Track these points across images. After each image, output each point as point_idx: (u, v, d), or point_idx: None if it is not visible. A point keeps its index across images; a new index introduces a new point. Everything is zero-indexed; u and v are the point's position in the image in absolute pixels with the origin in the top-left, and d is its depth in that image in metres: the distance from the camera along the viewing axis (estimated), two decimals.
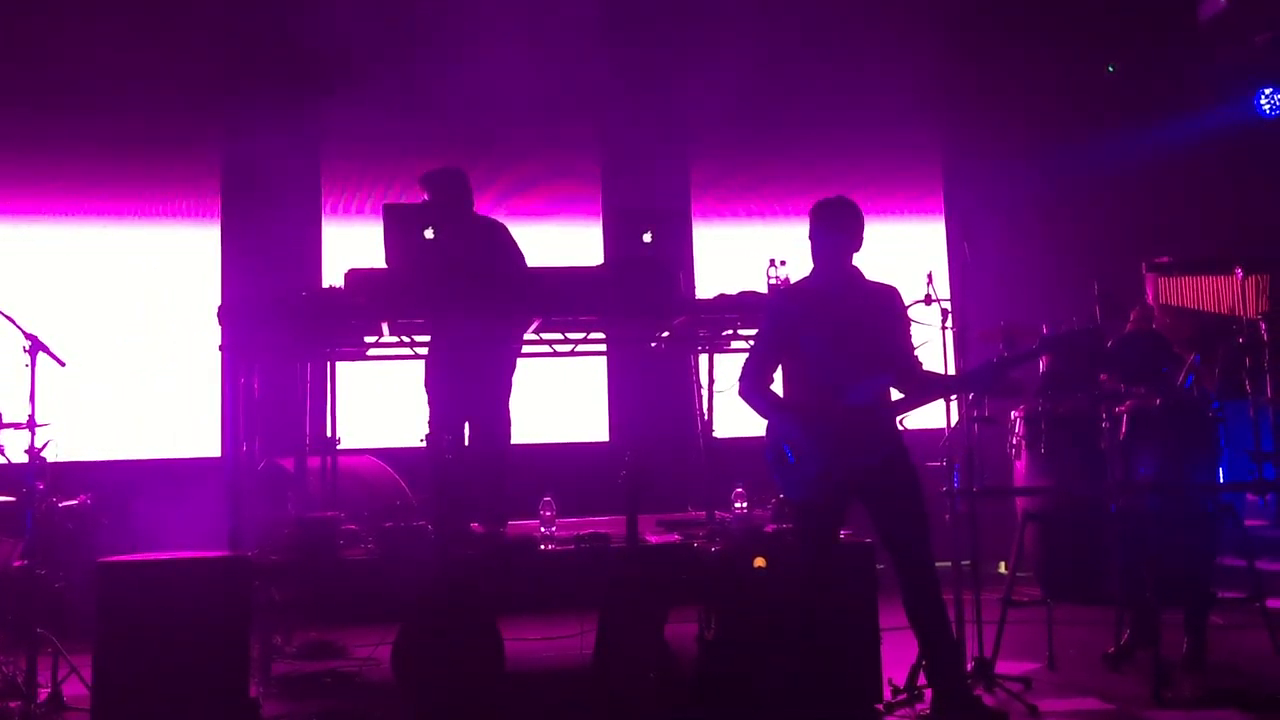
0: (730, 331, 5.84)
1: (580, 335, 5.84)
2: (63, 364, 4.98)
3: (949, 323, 5.34)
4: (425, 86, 8.03)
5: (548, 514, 5.29)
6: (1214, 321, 5.58)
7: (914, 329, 4.52)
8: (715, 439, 6.01)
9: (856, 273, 4.44)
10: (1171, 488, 5.13)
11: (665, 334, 6.03)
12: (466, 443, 5.55)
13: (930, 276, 5.34)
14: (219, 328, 5.17)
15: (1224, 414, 5.16)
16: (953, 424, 5.14)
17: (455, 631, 4.68)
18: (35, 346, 4.90)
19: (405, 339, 5.68)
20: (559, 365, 7.27)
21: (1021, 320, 5.63)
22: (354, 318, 5.30)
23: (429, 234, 5.15)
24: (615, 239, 5.40)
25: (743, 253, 8.11)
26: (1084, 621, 5.80)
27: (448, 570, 4.83)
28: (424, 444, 5.55)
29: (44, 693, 4.82)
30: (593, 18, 8.15)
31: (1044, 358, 5.66)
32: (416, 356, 5.76)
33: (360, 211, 8.20)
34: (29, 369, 4.89)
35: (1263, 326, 5.22)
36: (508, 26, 7.88)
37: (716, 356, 6.10)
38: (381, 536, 5.05)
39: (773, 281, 5.50)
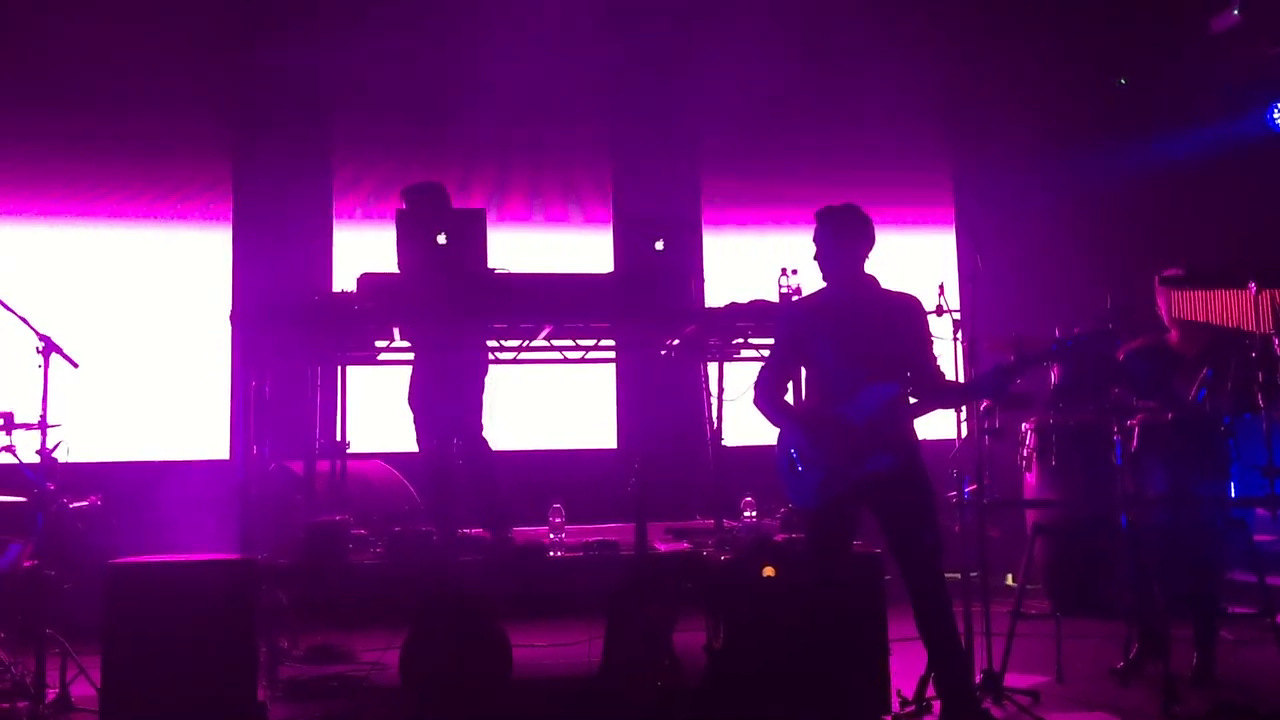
0: (741, 340, 5.85)
1: (591, 342, 5.85)
2: (75, 365, 5.00)
3: (959, 334, 5.34)
4: (437, 92, 8.06)
5: (557, 520, 5.29)
6: (1226, 335, 5.56)
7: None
8: (725, 447, 6.02)
9: (871, 281, 4.44)
10: (1182, 502, 5.11)
11: (675, 342, 6.03)
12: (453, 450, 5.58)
13: (942, 287, 5.34)
14: (231, 331, 5.19)
15: (1235, 428, 5.15)
16: (963, 436, 5.14)
17: (463, 637, 4.68)
18: (48, 347, 4.92)
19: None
20: (568, 372, 7.29)
21: (1032, 330, 5.62)
22: (365, 322, 5.31)
23: (442, 240, 5.16)
24: (626, 246, 5.42)
25: (753, 261, 8.11)
26: (1093, 635, 5.78)
27: (456, 575, 4.83)
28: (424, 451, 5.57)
29: (52, 693, 4.84)
30: (603, 25, 8.16)
31: (1055, 369, 5.64)
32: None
33: (371, 216, 8.21)
34: (42, 370, 4.90)
35: (1275, 341, 5.20)
36: (520, 33, 7.90)
37: (727, 365, 6.10)
38: (390, 541, 5.06)
39: (784, 290, 5.51)
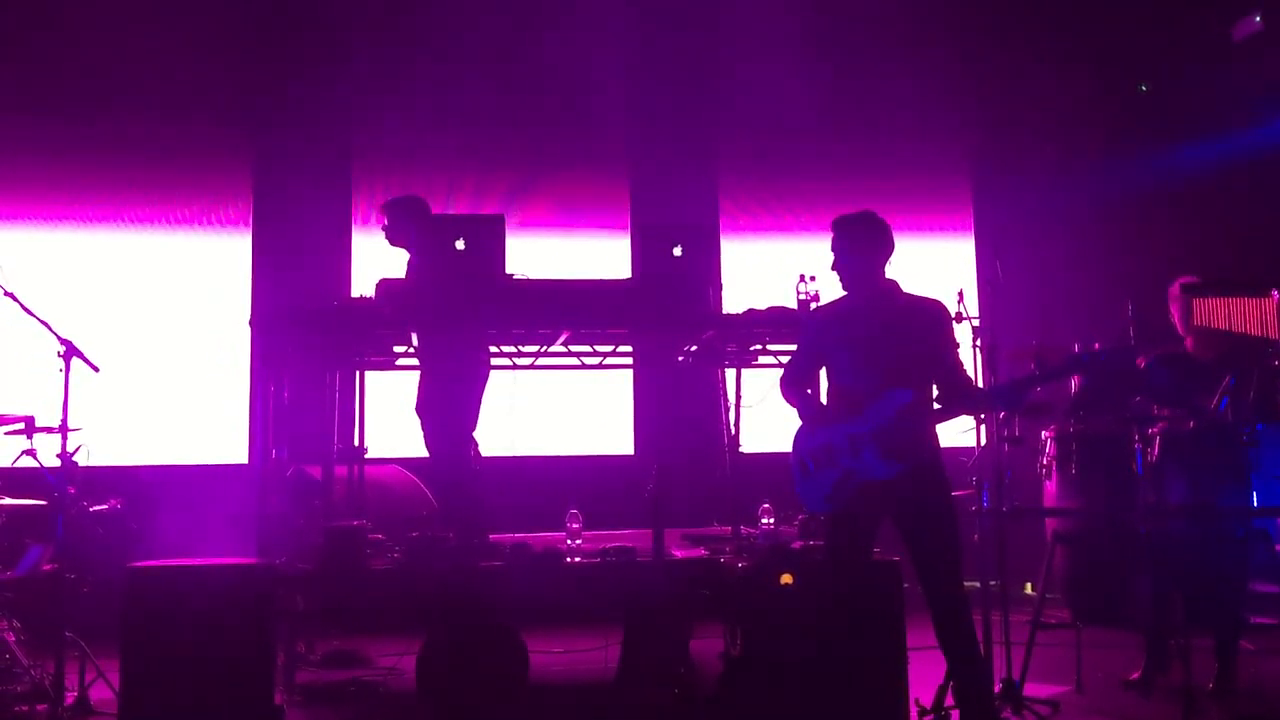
0: (759, 346, 5.84)
1: (609, 348, 5.85)
2: (96, 369, 5.01)
3: (978, 341, 5.31)
4: (455, 97, 8.08)
5: (574, 526, 5.29)
6: (1248, 344, 5.51)
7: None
8: (742, 454, 6.01)
9: (892, 286, 4.42)
10: (1203, 511, 5.07)
11: (693, 348, 6.03)
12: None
13: (961, 294, 5.32)
14: (250, 336, 5.21)
15: (1257, 438, 5.11)
16: (982, 444, 5.11)
17: (480, 643, 4.68)
18: (69, 351, 4.93)
19: None
20: (585, 378, 7.29)
21: (1053, 339, 5.60)
22: (384, 327, 5.33)
23: (460, 245, 5.17)
24: (643, 253, 5.42)
25: (771, 268, 8.09)
26: (1113, 645, 5.74)
27: (474, 581, 4.83)
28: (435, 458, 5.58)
29: (71, 696, 4.84)
30: (621, 32, 8.18)
31: (1075, 378, 5.61)
32: None
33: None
34: (63, 374, 4.93)
35: None
36: (537, 41, 7.92)
37: (744, 371, 6.09)
38: (408, 546, 5.06)
39: (802, 297, 5.50)
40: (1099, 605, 5.85)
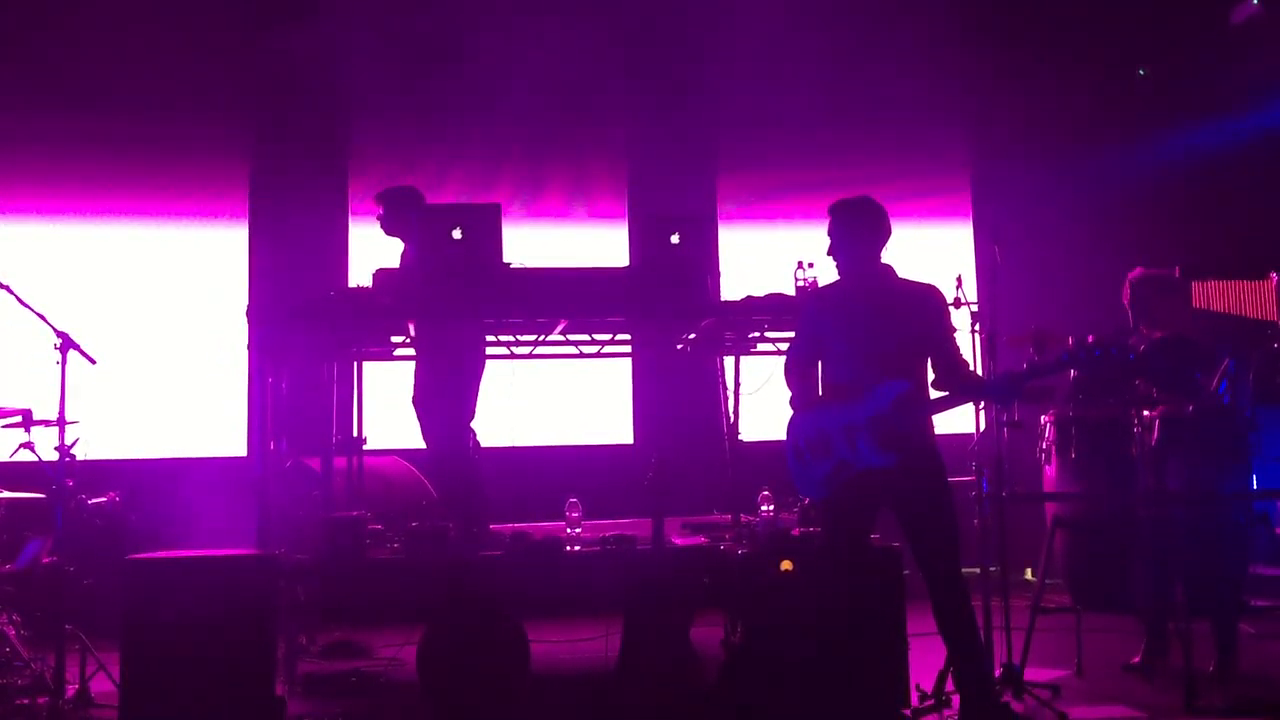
0: (758, 334, 5.83)
1: (607, 337, 5.84)
2: (93, 361, 5.01)
3: (978, 327, 5.31)
4: (452, 90, 8.06)
5: (574, 515, 5.28)
6: (1248, 327, 5.51)
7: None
8: (741, 442, 6.00)
9: (887, 272, 4.41)
10: (1203, 495, 5.07)
11: (692, 336, 6.01)
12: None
13: (960, 280, 5.32)
14: (247, 327, 5.20)
15: (1257, 421, 5.11)
16: (982, 429, 5.11)
17: (481, 633, 4.68)
18: (66, 344, 4.93)
19: None
20: (583, 367, 7.28)
21: (1052, 325, 5.58)
22: (381, 317, 5.32)
23: (457, 234, 5.15)
24: (641, 241, 5.40)
25: (769, 255, 8.07)
26: (1113, 629, 5.75)
27: (474, 571, 4.83)
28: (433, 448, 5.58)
29: (72, 689, 4.85)
30: (618, 21, 8.15)
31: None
32: None
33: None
34: (60, 366, 4.92)
35: None
36: (534, 30, 7.89)
37: (743, 359, 6.08)
38: (407, 537, 5.06)
39: (801, 284, 5.49)
40: (1099, 590, 5.85)
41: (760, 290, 5.53)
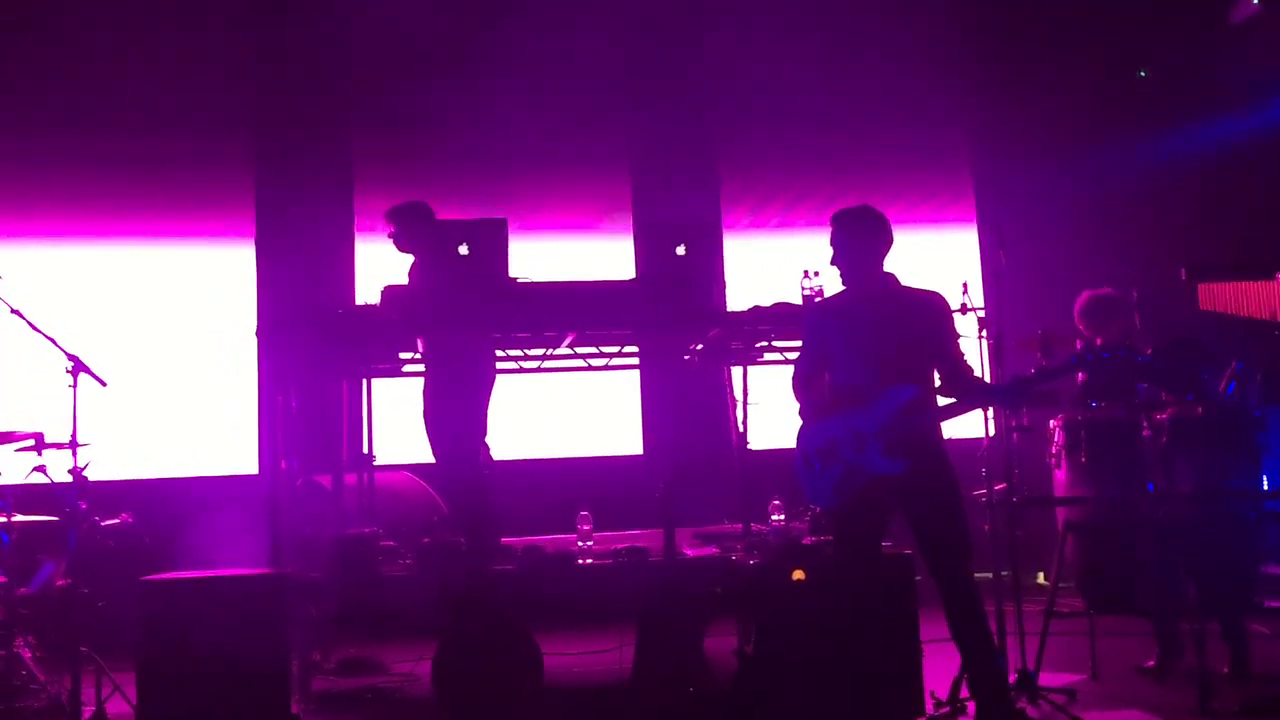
0: (765, 343, 5.84)
1: (615, 349, 5.86)
2: (104, 384, 5.03)
3: (984, 331, 5.31)
4: (455, 104, 8.09)
5: (585, 528, 5.29)
6: (1255, 328, 5.51)
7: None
8: (750, 451, 6.00)
9: (890, 280, 4.43)
10: (1213, 496, 5.07)
11: (699, 347, 6.03)
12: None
13: (965, 285, 5.33)
14: (256, 346, 5.22)
15: (1266, 420, 5.10)
16: (991, 434, 5.11)
17: (495, 646, 4.69)
18: (77, 367, 4.95)
19: None
20: (591, 379, 7.30)
21: (1058, 328, 5.59)
22: (390, 334, 5.34)
23: (464, 250, 5.18)
24: (646, 252, 5.42)
25: (774, 264, 8.09)
26: (1127, 633, 5.72)
27: (486, 585, 4.84)
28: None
29: (88, 711, 4.85)
30: (620, 31, 8.18)
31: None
32: None
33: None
34: (71, 389, 4.94)
35: None
36: (535, 41, 7.92)
37: (751, 369, 6.08)
38: (420, 552, 5.07)
39: (807, 292, 5.51)
40: (1112, 593, 5.83)
41: (766, 299, 5.55)
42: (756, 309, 5.47)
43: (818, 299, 5.47)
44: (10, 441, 5.09)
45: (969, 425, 5.24)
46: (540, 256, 7.83)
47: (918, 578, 4.66)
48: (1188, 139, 8.33)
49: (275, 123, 8.10)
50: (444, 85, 7.98)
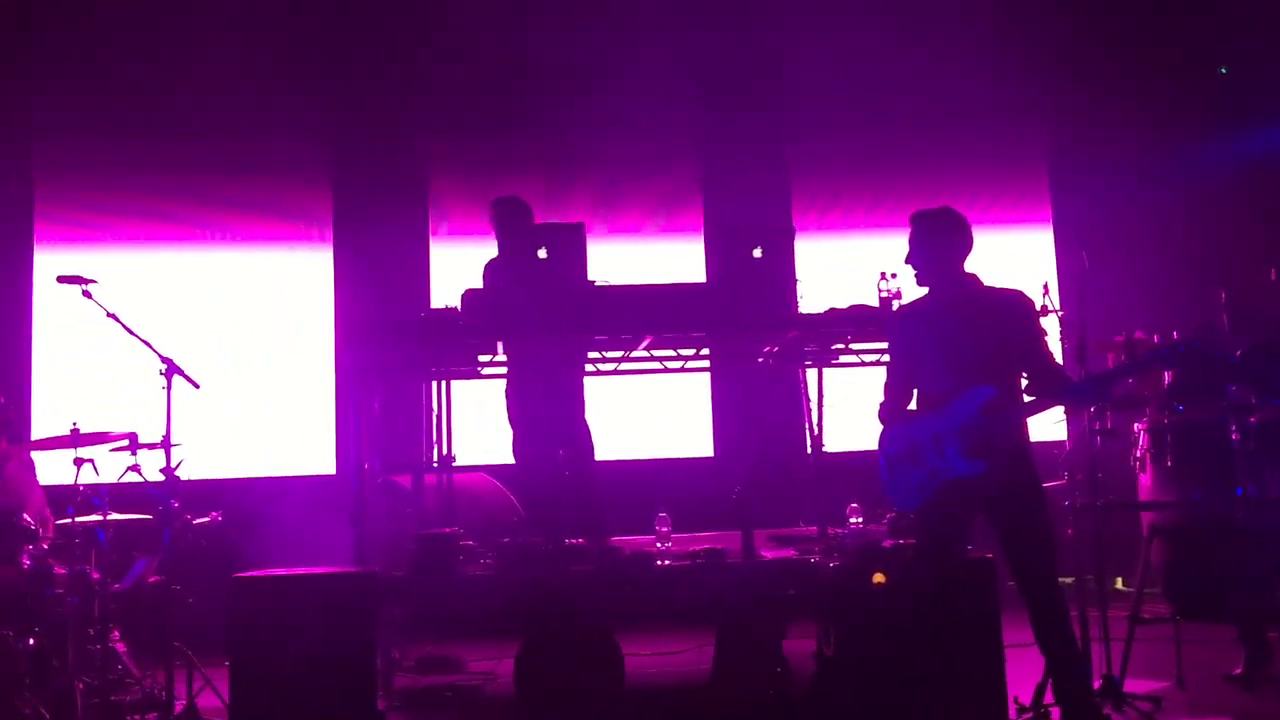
0: (841, 345, 5.83)
1: (690, 351, 5.88)
2: (197, 386, 5.15)
3: (1065, 334, 5.25)
4: (528, 107, 8.17)
5: (663, 530, 5.32)
6: None
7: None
8: (825, 453, 5.99)
9: (971, 280, 4.40)
10: None
11: (773, 349, 6.02)
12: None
13: (1046, 286, 5.26)
14: (335, 349, 5.31)
15: None
16: (1074, 437, 5.05)
17: (577, 647, 4.72)
18: (171, 370, 5.07)
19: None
20: (661, 381, 7.31)
21: (1142, 330, 5.51)
22: (469, 337, 5.41)
23: (542, 253, 5.23)
24: (718, 254, 5.43)
25: (847, 265, 8.05)
26: (1215, 640, 5.62)
27: (567, 586, 4.88)
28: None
29: (179, 705, 4.98)
30: (691, 33, 8.19)
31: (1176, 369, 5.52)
32: None
33: (466, 232, 8.33)
34: (165, 391, 5.07)
35: None
36: (607, 44, 7.96)
37: (827, 370, 6.07)
38: (499, 552, 5.13)
39: (884, 294, 5.48)
40: (1198, 599, 5.74)
41: (838, 301, 5.53)
42: (833, 311, 5.45)
43: (896, 302, 5.45)
44: (106, 442, 5.22)
45: (1052, 427, 5.20)
46: (610, 259, 7.86)
47: (1009, 583, 4.62)
48: (1273, 134, 8.15)
49: (352, 131, 8.23)
50: (518, 91, 8.08)
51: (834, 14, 8.09)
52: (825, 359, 6.03)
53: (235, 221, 8.22)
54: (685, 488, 7.02)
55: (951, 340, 4.29)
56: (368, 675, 4.63)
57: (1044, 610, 4.17)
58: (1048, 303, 5.25)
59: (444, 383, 6.07)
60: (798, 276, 5.53)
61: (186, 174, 8.18)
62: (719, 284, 5.50)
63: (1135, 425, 5.39)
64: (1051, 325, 5.24)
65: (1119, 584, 7.30)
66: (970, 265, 4.42)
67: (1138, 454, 5.35)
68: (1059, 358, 4.99)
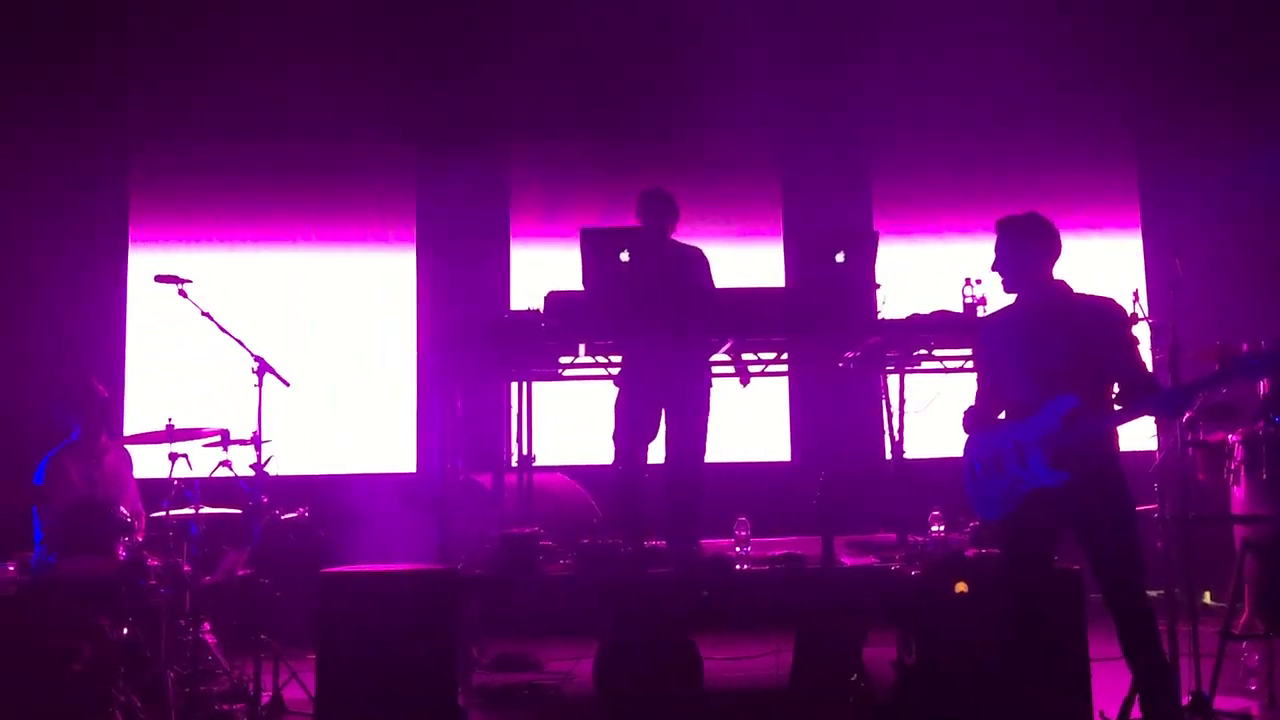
0: (923, 351, 5.78)
1: (772, 355, 5.87)
2: (288, 384, 5.27)
3: (1157, 342, 5.15)
4: (608, 109, 8.22)
5: (742, 534, 5.32)
6: None
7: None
8: (906, 460, 5.94)
9: (1061, 287, 4.33)
10: None
11: (854, 354, 5.99)
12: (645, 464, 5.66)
13: (1136, 294, 5.17)
14: (417, 349, 5.38)
15: None
16: (1164, 449, 4.95)
17: (657, 648, 4.75)
18: (263, 368, 5.20)
19: (600, 359, 5.81)
20: (734, 384, 7.30)
21: (1234, 340, 5.39)
22: (551, 339, 5.46)
23: (624, 257, 5.27)
24: (799, 258, 5.42)
25: (929, 270, 7.96)
26: None
27: (647, 587, 4.91)
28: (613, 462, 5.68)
29: (266, 696, 5.10)
30: (772, 36, 8.17)
31: (1265, 379, 5.38)
32: (609, 377, 5.88)
33: (546, 235, 8.39)
34: (256, 389, 5.19)
35: None
36: (689, 50, 7.97)
37: (909, 376, 6.02)
38: (579, 553, 5.17)
39: (969, 300, 5.43)
40: None
41: (920, 306, 5.48)
42: (915, 317, 5.41)
43: (981, 308, 5.39)
44: (199, 437, 5.37)
45: (1142, 439, 5.10)
46: None
47: (1094, 595, 4.54)
48: None
49: (436, 133, 8.35)
50: (597, 91, 8.12)
51: (916, 17, 8.01)
52: (907, 365, 5.98)
53: (322, 222, 8.38)
54: (764, 492, 7.03)
55: (1037, 348, 4.23)
56: (449, 671, 4.71)
57: (1132, 624, 4.08)
58: (1138, 310, 5.16)
59: (525, 384, 6.14)
60: (878, 281, 5.50)
61: (276, 175, 8.37)
62: (802, 288, 5.49)
63: (1229, 437, 5.27)
64: (1142, 333, 5.14)
65: (1207, 598, 7.13)
66: (1058, 271, 4.36)
67: (1232, 466, 5.23)
68: (1152, 367, 4.90)
